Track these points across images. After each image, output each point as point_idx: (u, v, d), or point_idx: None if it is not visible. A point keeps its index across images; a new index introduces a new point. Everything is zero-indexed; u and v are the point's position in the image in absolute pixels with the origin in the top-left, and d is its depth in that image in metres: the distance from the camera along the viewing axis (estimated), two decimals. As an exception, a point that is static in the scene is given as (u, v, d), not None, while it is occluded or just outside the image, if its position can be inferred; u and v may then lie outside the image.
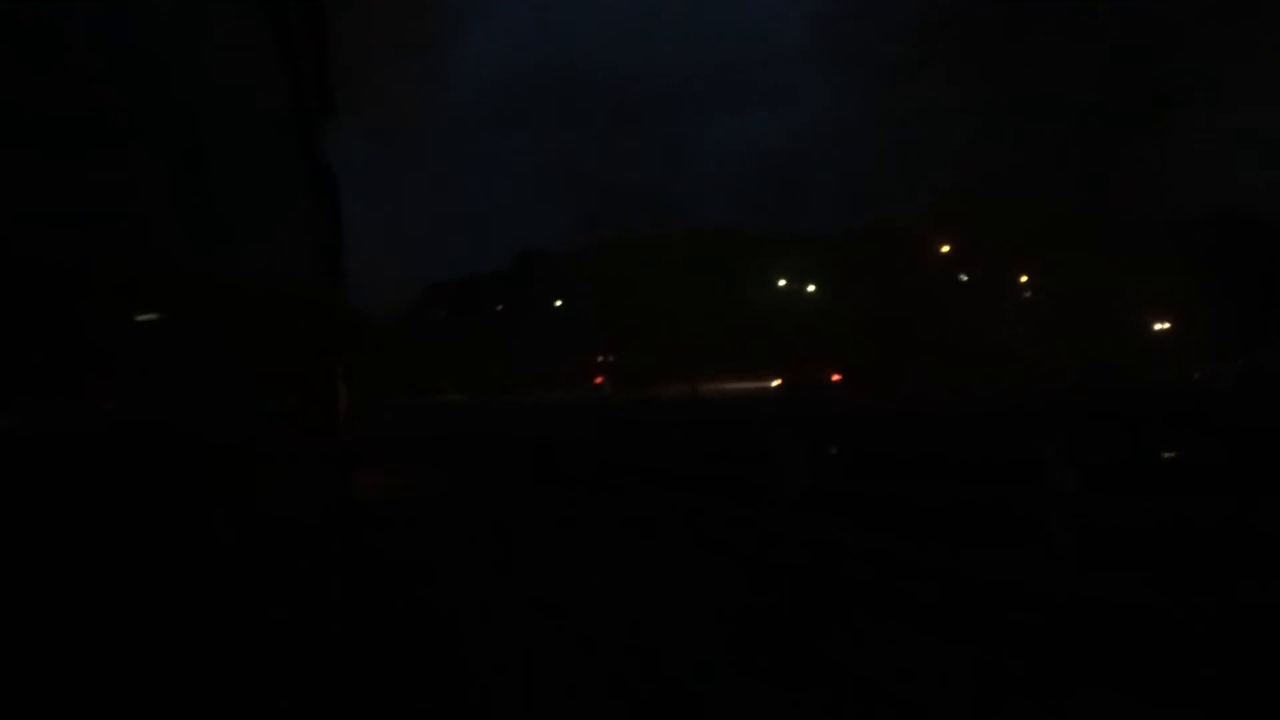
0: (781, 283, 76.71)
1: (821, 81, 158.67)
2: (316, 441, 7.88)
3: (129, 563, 2.33)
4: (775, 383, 56.47)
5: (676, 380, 63.78)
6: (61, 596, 1.87)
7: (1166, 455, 17.39)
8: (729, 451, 18.46)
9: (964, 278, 71.92)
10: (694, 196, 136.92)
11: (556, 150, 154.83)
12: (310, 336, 7.22)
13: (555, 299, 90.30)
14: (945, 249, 63.69)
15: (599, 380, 72.17)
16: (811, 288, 75.73)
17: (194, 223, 3.33)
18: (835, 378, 54.24)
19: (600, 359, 73.97)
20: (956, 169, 70.89)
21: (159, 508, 2.62)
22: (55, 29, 2.04)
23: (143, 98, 2.73)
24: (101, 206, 2.28)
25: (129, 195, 2.54)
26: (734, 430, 24.28)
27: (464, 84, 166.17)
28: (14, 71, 1.82)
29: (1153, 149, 59.91)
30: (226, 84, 4.27)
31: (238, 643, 3.50)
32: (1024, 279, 69.17)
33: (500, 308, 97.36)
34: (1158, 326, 54.65)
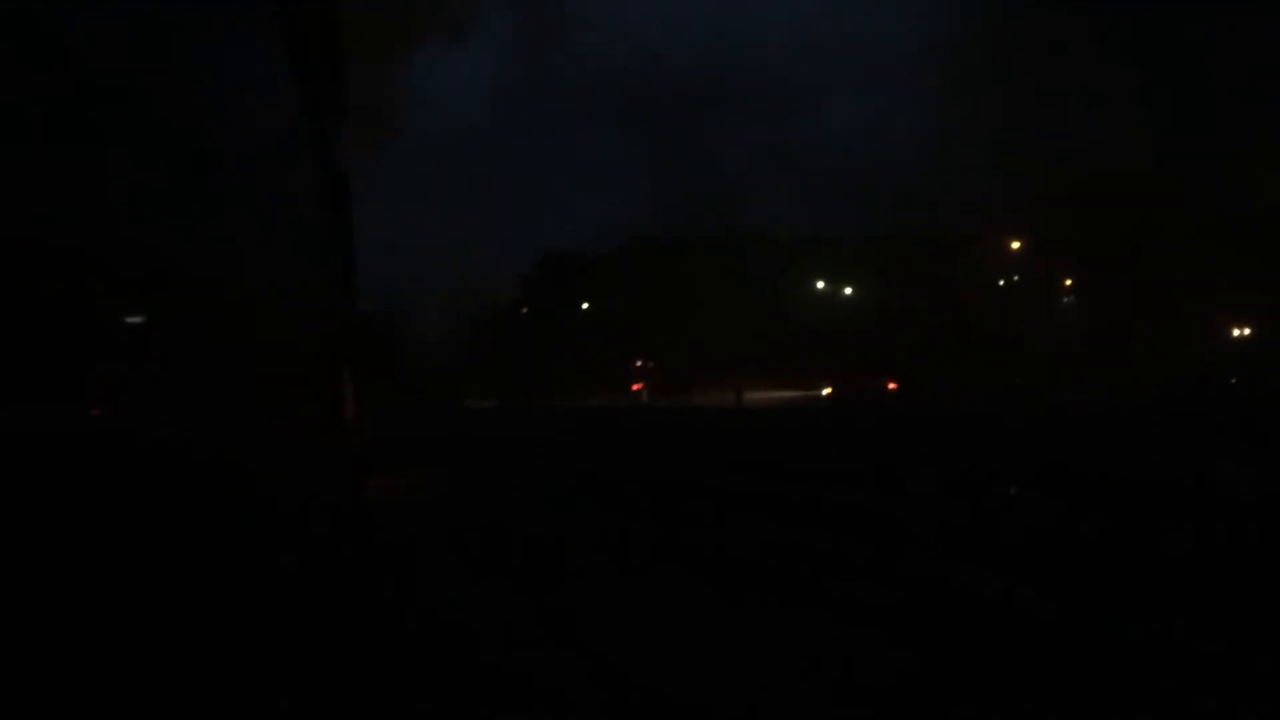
0: (820, 284, 74.13)
1: (859, 83, 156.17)
2: (324, 445, 7.84)
3: (130, 569, 2.26)
4: (825, 390, 53.74)
5: (716, 387, 61.11)
6: (59, 601, 1.85)
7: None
8: (819, 470, 15.82)
9: (1016, 278, 69.01)
10: (723, 199, 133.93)
11: (581, 153, 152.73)
12: (318, 341, 7.31)
13: (582, 302, 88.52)
14: (1016, 244, 60.59)
15: (637, 386, 69.38)
16: (849, 290, 73.09)
17: (201, 227, 3.20)
18: (891, 385, 51.36)
19: (638, 364, 71.14)
20: (1011, 171, 67.65)
21: (163, 514, 2.56)
22: (61, 29, 2.06)
23: (150, 99, 2.70)
24: (108, 210, 2.28)
25: (135, 199, 2.51)
26: (824, 443, 21.37)
27: (475, 86, 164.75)
28: (18, 71, 1.81)
29: (1216, 149, 56.41)
30: (237, 86, 4.27)
31: (239, 646, 3.24)
32: (1068, 282, 66.55)
33: (525, 310, 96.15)
34: (1236, 333, 51.49)
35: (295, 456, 5.74)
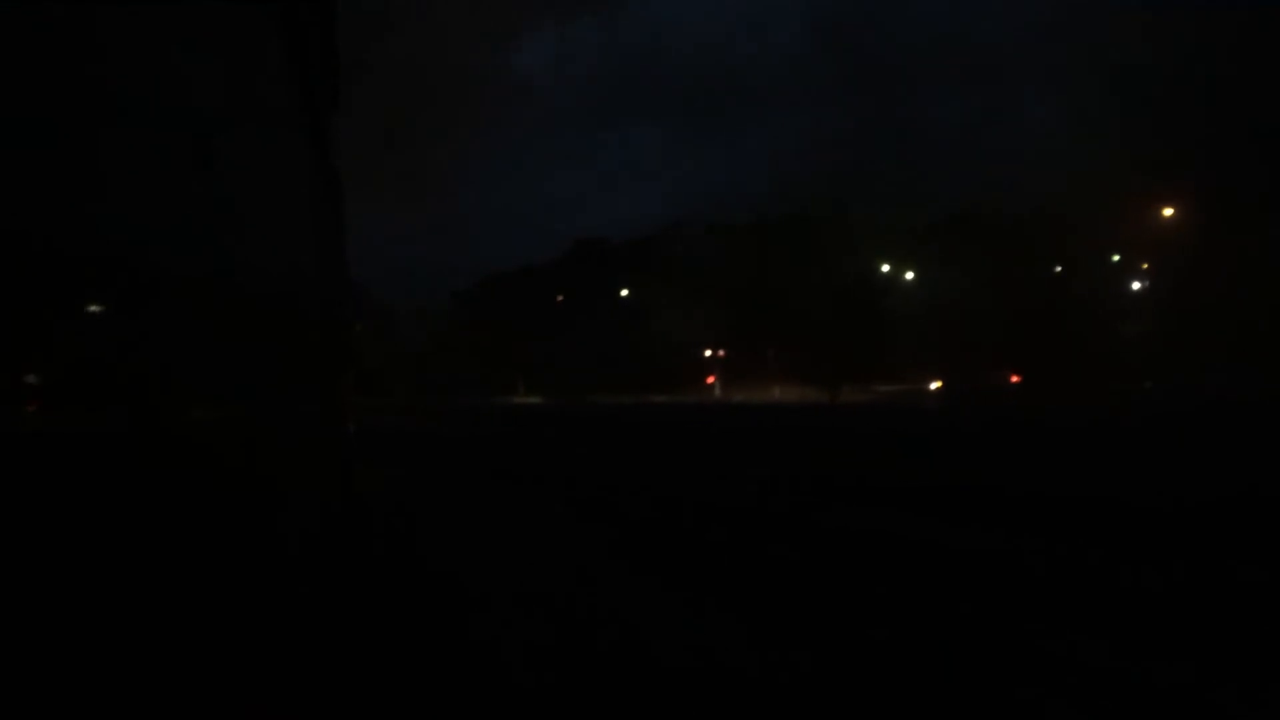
0: (885, 268, 68.28)
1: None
2: (318, 439, 7.04)
3: (125, 569, 2.23)
4: (934, 384, 48.06)
5: (793, 380, 55.51)
6: (51, 603, 1.90)
7: None
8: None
9: (1116, 258, 63.17)
10: (758, 184, 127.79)
11: (616, 142, 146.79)
12: (312, 336, 6.67)
13: (620, 289, 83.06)
14: (1169, 211, 54.31)
15: (710, 380, 63.43)
16: (923, 276, 67.29)
17: (194, 220, 3.15)
18: (1014, 379, 45.62)
19: (709, 353, 65.10)
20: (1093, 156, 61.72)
21: (156, 513, 2.50)
22: (55, 23, 2.06)
23: (145, 92, 2.70)
24: (101, 204, 2.27)
25: (129, 192, 2.48)
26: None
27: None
28: (11, 64, 1.88)
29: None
30: (232, 80, 4.06)
31: (232, 651, 3.01)
32: (1145, 265, 61.11)
33: (560, 299, 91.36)
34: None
35: (293, 448, 5.41)
